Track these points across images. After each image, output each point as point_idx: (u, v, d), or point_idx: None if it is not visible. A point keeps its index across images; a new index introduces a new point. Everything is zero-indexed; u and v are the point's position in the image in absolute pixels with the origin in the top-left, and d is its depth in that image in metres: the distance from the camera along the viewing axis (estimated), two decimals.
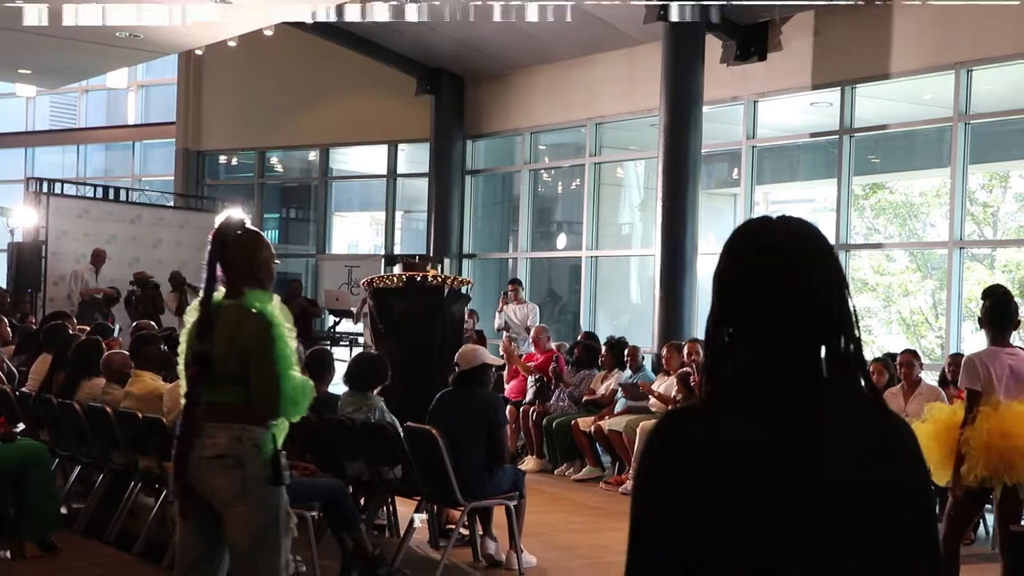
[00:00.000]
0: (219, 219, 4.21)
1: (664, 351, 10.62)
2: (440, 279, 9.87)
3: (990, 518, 7.25)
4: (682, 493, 1.60)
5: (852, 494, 1.59)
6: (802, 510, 1.57)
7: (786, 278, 1.67)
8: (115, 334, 10.57)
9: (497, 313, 13.87)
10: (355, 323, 15.48)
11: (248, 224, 4.26)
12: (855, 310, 1.70)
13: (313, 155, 19.81)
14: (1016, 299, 5.86)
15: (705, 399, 1.70)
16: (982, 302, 5.83)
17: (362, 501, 7.30)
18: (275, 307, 4.13)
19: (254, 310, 4.05)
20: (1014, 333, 5.96)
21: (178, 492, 4.12)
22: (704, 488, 1.59)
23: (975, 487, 5.67)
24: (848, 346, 1.67)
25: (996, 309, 5.74)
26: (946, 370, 9.32)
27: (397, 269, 10.20)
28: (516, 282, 14.32)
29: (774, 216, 1.75)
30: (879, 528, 1.59)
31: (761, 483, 1.58)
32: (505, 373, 11.95)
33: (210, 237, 4.13)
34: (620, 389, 10.50)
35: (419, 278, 9.72)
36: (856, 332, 1.69)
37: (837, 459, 1.61)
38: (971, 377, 5.66)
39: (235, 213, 4.35)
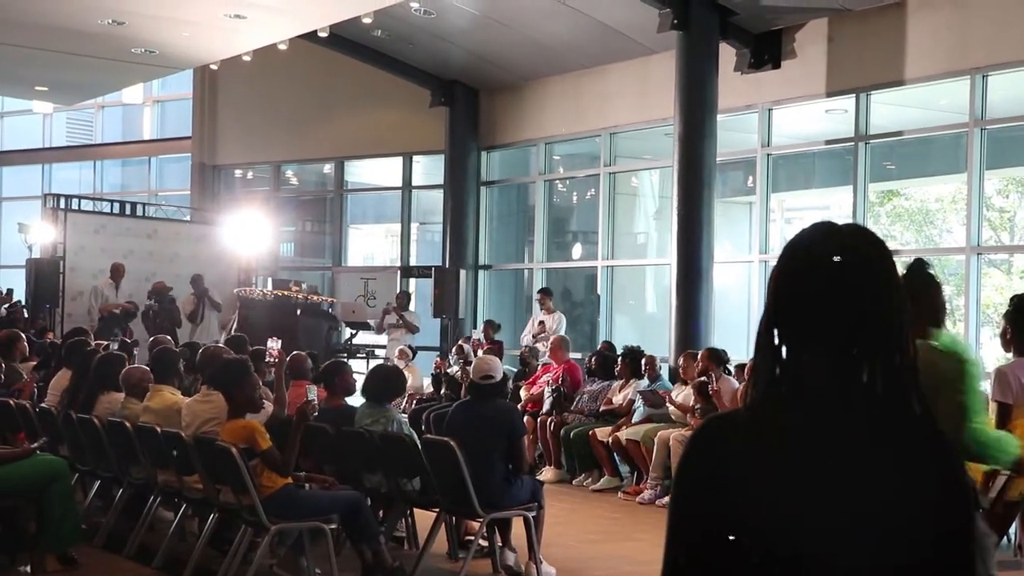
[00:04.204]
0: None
1: (681, 360, 10.60)
2: (299, 296, 11.03)
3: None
4: (718, 498, 1.57)
5: (887, 514, 1.54)
6: (833, 528, 1.54)
7: (838, 287, 1.62)
8: (114, 346, 10.58)
9: (535, 323, 13.80)
10: (377, 334, 15.51)
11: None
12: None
13: (328, 168, 19.86)
14: None
15: (751, 404, 1.66)
16: (1009, 311, 5.68)
17: (381, 513, 7.30)
18: (964, 343, 4.10)
19: (945, 349, 3.99)
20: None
21: None
22: (740, 494, 1.56)
23: (1016, 500, 5.61)
24: (902, 364, 1.62)
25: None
26: None
27: (269, 285, 11.65)
28: (545, 291, 14.28)
29: (840, 223, 1.70)
30: (913, 554, 1.55)
31: (795, 495, 1.55)
32: (523, 384, 11.94)
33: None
34: (640, 397, 10.48)
35: (281, 294, 10.86)
36: (909, 351, 1.63)
37: (874, 479, 1.56)
38: (1003, 390, 5.53)
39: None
